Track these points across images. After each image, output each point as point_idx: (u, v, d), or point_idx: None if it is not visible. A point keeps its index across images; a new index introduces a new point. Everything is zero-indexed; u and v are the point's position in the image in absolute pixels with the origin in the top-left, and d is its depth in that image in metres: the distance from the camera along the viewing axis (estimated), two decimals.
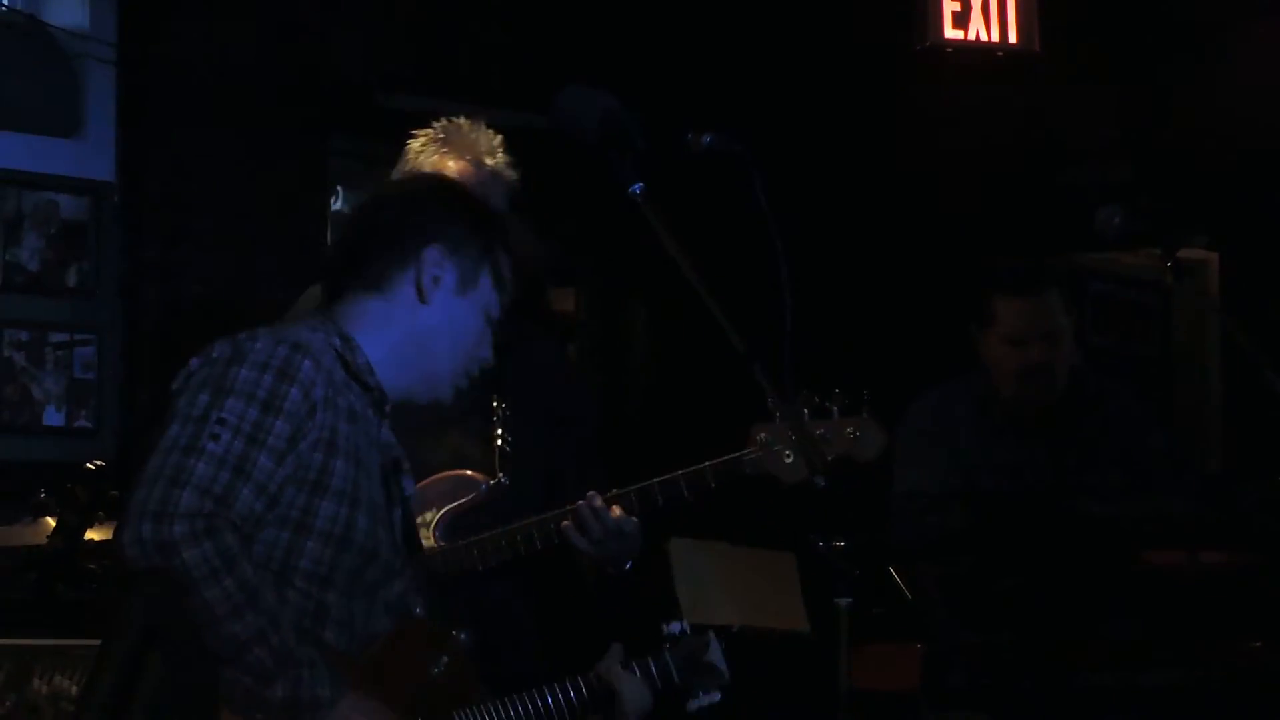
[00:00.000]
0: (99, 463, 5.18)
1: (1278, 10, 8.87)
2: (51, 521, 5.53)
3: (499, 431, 5.43)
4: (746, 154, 4.93)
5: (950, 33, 8.64)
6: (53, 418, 8.02)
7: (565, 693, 4.69)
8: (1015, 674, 6.62)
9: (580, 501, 5.34)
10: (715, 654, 5.00)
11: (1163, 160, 8.72)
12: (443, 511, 5.21)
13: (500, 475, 5.21)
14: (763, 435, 5.21)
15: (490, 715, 4.51)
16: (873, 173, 8.83)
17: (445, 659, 4.43)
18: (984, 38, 8.67)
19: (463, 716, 4.45)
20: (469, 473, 5.15)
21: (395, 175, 5.55)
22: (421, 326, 4.42)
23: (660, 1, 8.86)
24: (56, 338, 8.12)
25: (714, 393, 4.95)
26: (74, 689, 3.05)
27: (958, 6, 8.63)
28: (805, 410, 5.20)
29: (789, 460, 5.20)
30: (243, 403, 4.11)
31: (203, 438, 4.07)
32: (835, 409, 5.23)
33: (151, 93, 8.25)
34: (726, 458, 5.22)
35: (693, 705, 5.02)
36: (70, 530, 5.51)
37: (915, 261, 8.55)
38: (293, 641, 4.05)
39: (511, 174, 5.72)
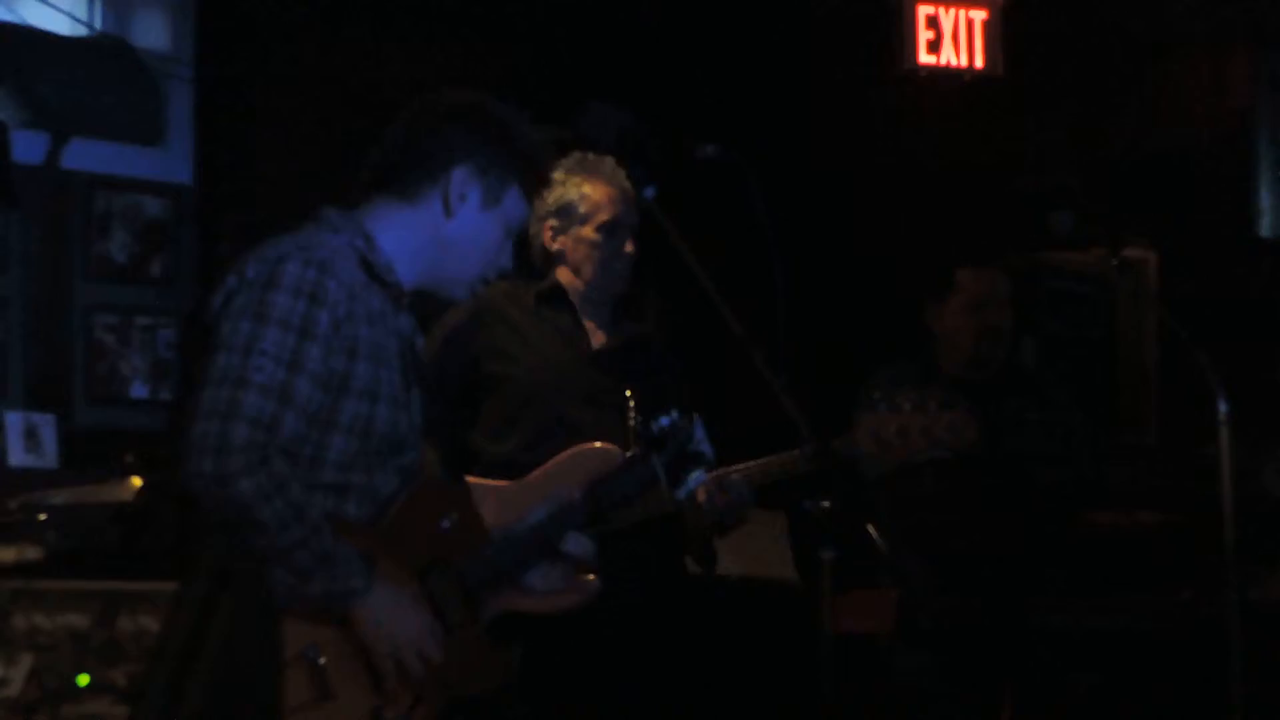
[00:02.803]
0: None
1: (1204, 42, 8.86)
2: (137, 481, 5.54)
3: (631, 413, 5.42)
4: (743, 163, 4.95)
5: (925, 59, 8.64)
6: (139, 391, 8.03)
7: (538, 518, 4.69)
8: (975, 618, 6.63)
9: (722, 471, 5.36)
10: (700, 440, 4.99)
11: (1108, 171, 8.71)
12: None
13: (635, 449, 5.20)
14: (869, 423, 5.20)
15: (488, 554, 4.51)
16: (855, 180, 8.83)
17: (455, 515, 4.46)
18: (954, 63, 8.67)
19: (469, 560, 4.45)
20: (607, 446, 5.13)
21: (542, 201, 5.56)
22: (446, 236, 4.41)
23: (671, 32, 8.86)
24: (142, 321, 8.12)
25: (718, 368, 4.95)
26: (155, 627, 3.07)
27: (931, 36, 8.64)
28: (907, 405, 5.20)
29: (894, 443, 5.20)
30: (280, 331, 4.11)
31: (249, 370, 4.07)
32: (933, 404, 5.23)
33: (224, 107, 8.25)
34: (802, 451, 5.18)
35: (682, 492, 5.00)
36: (153, 489, 5.52)
37: (892, 258, 8.54)
38: (330, 543, 4.09)
39: (641, 203, 5.74)
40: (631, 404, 5.41)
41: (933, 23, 8.66)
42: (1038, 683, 6.60)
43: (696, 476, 5.00)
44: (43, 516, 5.72)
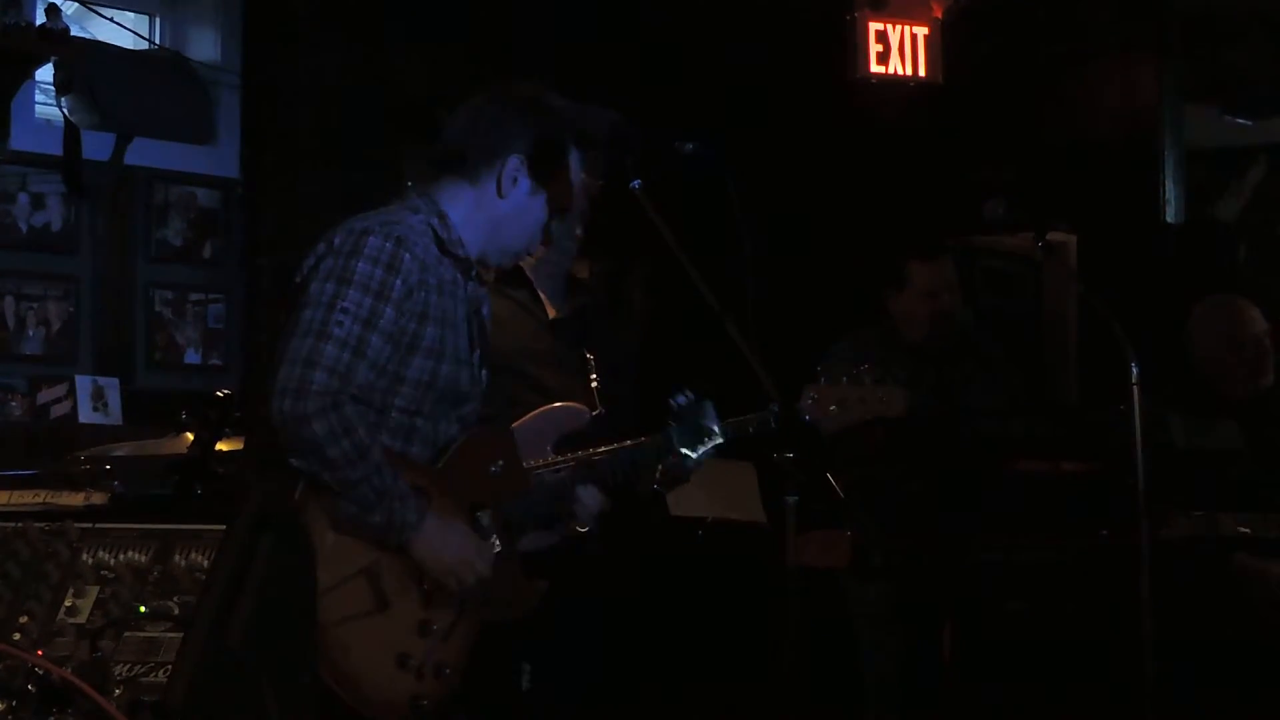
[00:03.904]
0: (226, 391, 5.14)
1: (1123, 50, 8.84)
2: (190, 436, 5.49)
3: (592, 376, 5.40)
4: (719, 158, 4.91)
5: (874, 68, 8.61)
6: (191, 357, 8.02)
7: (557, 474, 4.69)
8: (919, 554, 6.61)
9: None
10: (710, 418, 4.95)
11: (1035, 164, 8.69)
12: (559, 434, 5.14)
13: (600, 408, 5.18)
14: (813, 394, 5.16)
15: (527, 501, 4.54)
16: (816, 174, 8.80)
17: (502, 462, 4.49)
18: (900, 72, 8.64)
19: (512, 503, 4.49)
20: (578, 405, 5.11)
21: None
22: (499, 213, 4.44)
23: (656, 41, 8.84)
24: (195, 297, 8.12)
25: (697, 343, 4.93)
26: (205, 563, 3.04)
27: (880, 48, 8.61)
28: (845, 378, 5.18)
29: (833, 412, 5.15)
30: (360, 293, 4.16)
31: (330, 324, 4.12)
32: (868, 379, 5.20)
33: (268, 111, 8.23)
34: (769, 411, 5.14)
35: (690, 462, 4.99)
36: (204, 443, 5.48)
37: (846, 241, 8.52)
38: (390, 480, 4.12)
39: (597, 180, 5.69)
40: (591, 365, 5.39)
41: (881, 37, 8.63)
42: (975, 611, 6.59)
43: (707, 449, 4.97)
44: (108, 467, 5.70)
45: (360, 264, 4.18)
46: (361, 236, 4.23)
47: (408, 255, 4.22)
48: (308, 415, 4.03)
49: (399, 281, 4.20)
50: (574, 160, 4.54)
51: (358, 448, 4.07)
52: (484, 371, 4.52)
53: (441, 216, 4.38)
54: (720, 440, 5.02)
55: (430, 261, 4.29)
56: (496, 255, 4.51)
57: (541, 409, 5.02)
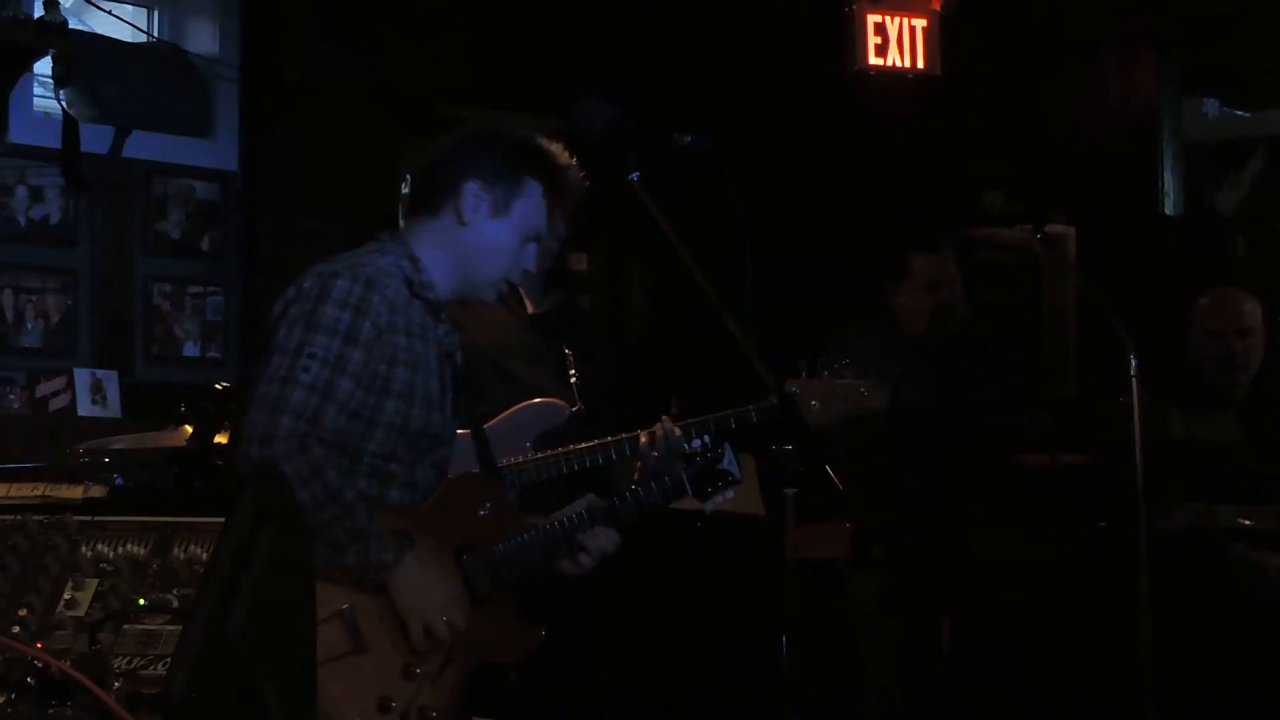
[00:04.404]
0: (224, 385, 5.16)
1: (1121, 42, 8.84)
2: (189, 429, 5.50)
3: (570, 370, 5.39)
4: (717, 150, 4.91)
5: (873, 60, 8.62)
6: (190, 350, 8.02)
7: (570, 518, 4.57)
8: (918, 546, 6.62)
9: (658, 425, 5.29)
10: (729, 461, 4.83)
11: (1034, 156, 8.69)
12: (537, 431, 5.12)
13: (579, 404, 5.17)
14: (795, 388, 5.14)
15: (520, 541, 4.43)
16: (815, 166, 8.81)
17: (489, 504, 4.41)
18: (899, 64, 8.65)
19: (504, 545, 4.40)
20: (556, 400, 5.10)
21: None
22: (464, 243, 4.35)
23: (654, 34, 8.83)
24: (193, 290, 8.12)
25: (695, 334, 4.93)
26: (204, 555, 3.04)
27: (879, 40, 8.62)
28: (827, 372, 5.17)
29: (815, 407, 5.14)
30: (327, 337, 4.11)
31: (297, 370, 4.08)
32: (849, 373, 5.19)
33: (265, 104, 8.23)
34: (767, 403, 5.14)
35: (709, 506, 4.88)
36: (202, 436, 5.50)
37: (845, 234, 8.52)
38: (364, 520, 4.07)
39: (582, 184, 5.68)
40: (570, 361, 5.39)
41: (880, 29, 8.64)
42: (974, 602, 6.60)
43: (724, 494, 4.88)
44: (107, 459, 5.70)
45: (328, 308, 4.14)
46: (330, 280, 4.19)
47: (377, 297, 4.17)
48: (274, 460, 3.99)
49: (368, 324, 4.15)
50: (533, 190, 4.42)
51: (328, 489, 4.03)
52: (455, 420, 4.45)
53: (413, 260, 4.32)
54: (738, 482, 4.92)
55: (400, 304, 4.24)
56: (471, 289, 4.42)
57: (520, 405, 5.01)
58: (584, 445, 5.04)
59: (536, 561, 4.49)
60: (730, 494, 4.89)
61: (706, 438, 4.93)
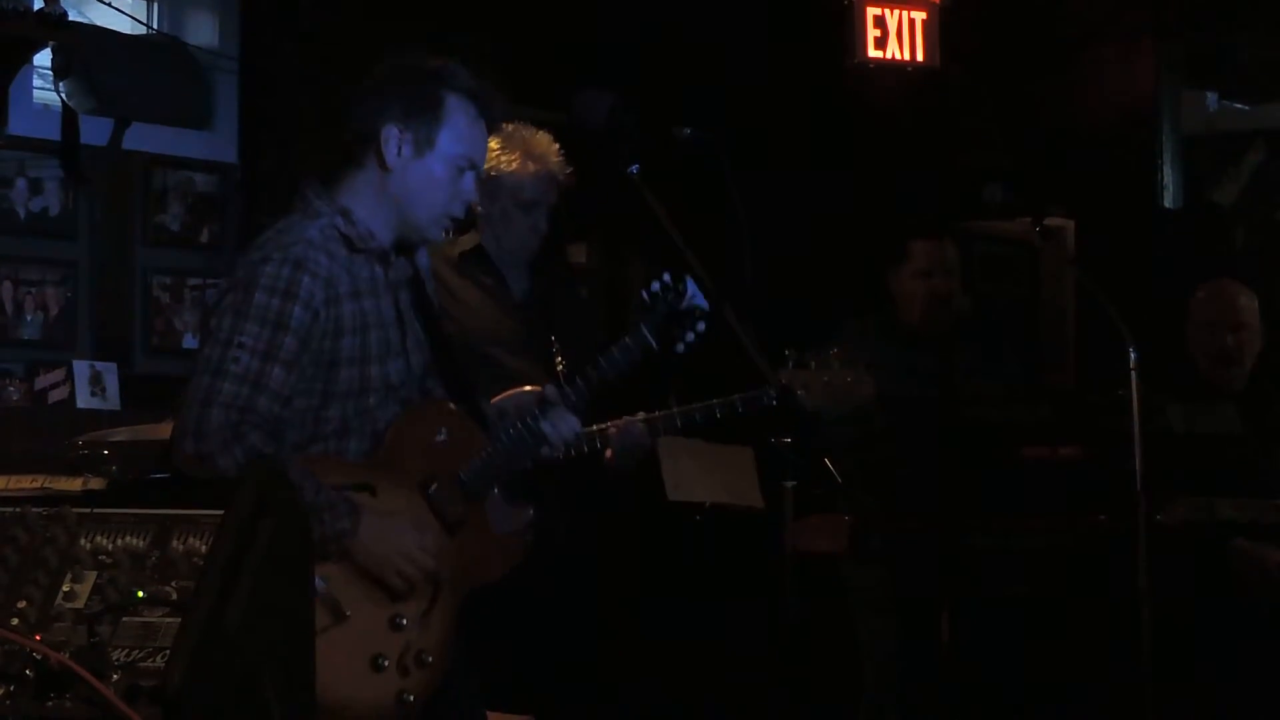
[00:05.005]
0: None
1: (1120, 35, 8.84)
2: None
3: (558, 359, 5.38)
4: (716, 143, 4.91)
5: (873, 53, 8.60)
6: (190, 342, 8.00)
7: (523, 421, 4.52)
8: (919, 539, 6.62)
9: (626, 418, 5.29)
10: (693, 296, 4.66)
11: (1033, 150, 8.69)
12: None
13: (568, 391, 5.15)
14: (784, 378, 5.12)
15: (483, 458, 4.39)
16: (815, 158, 8.80)
17: (444, 429, 4.37)
18: (898, 57, 8.63)
19: (468, 467, 4.37)
20: (543, 388, 5.09)
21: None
22: (395, 189, 4.29)
23: (654, 26, 8.83)
24: (193, 282, 8.11)
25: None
26: (203, 548, 3.04)
27: (879, 33, 8.60)
28: (814, 363, 5.14)
29: (801, 397, 5.12)
30: (257, 325, 4.09)
31: (227, 361, 4.07)
32: (836, 363, 5.17)
33: (264, 95, 8.23)
34: (753, 393, 5.12)
35: (680, 347, 4.70)
36: None
37: (844, 228, 8.51)
38: (313, 495, 4.02)
39: (567, 175, 5.68)
40: (557, 349, 5.38)
41: (879, 22, 8.63)
42: (973, 596, 6.59)
43: (698, 328, 4.68)
44: (106, 452, 5.70)
45: (258, 295, 4.11)
46: (259, 266, 4.15)
47: (307, 278, 4.13)
48: (211, 454, 3.99)
49: (297, 308, 4.11)
50: (456, 104, 4.31)
51: None
52: (419, 353, 4.39)
53: (345, 213, 4.26)
54: (709, 313, 4.71)
55: (338, 271, 4.19)
56: (413, 232, 4.35)
57: (506, 393, 5.02)
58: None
59: (503, 471, 4.45)
60: (702, 327, 4.70)
61: (667, 276, 4.69)
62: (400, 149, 4.29)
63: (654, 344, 4.64)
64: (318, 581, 4.04)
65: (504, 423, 4.51)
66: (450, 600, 4.29)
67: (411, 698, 4.18)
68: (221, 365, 4.07)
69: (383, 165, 4.29)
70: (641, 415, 5.34)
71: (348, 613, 4.11)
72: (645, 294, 4.69)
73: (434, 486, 4.31)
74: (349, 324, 4.19)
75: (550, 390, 4.56)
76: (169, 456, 4.19)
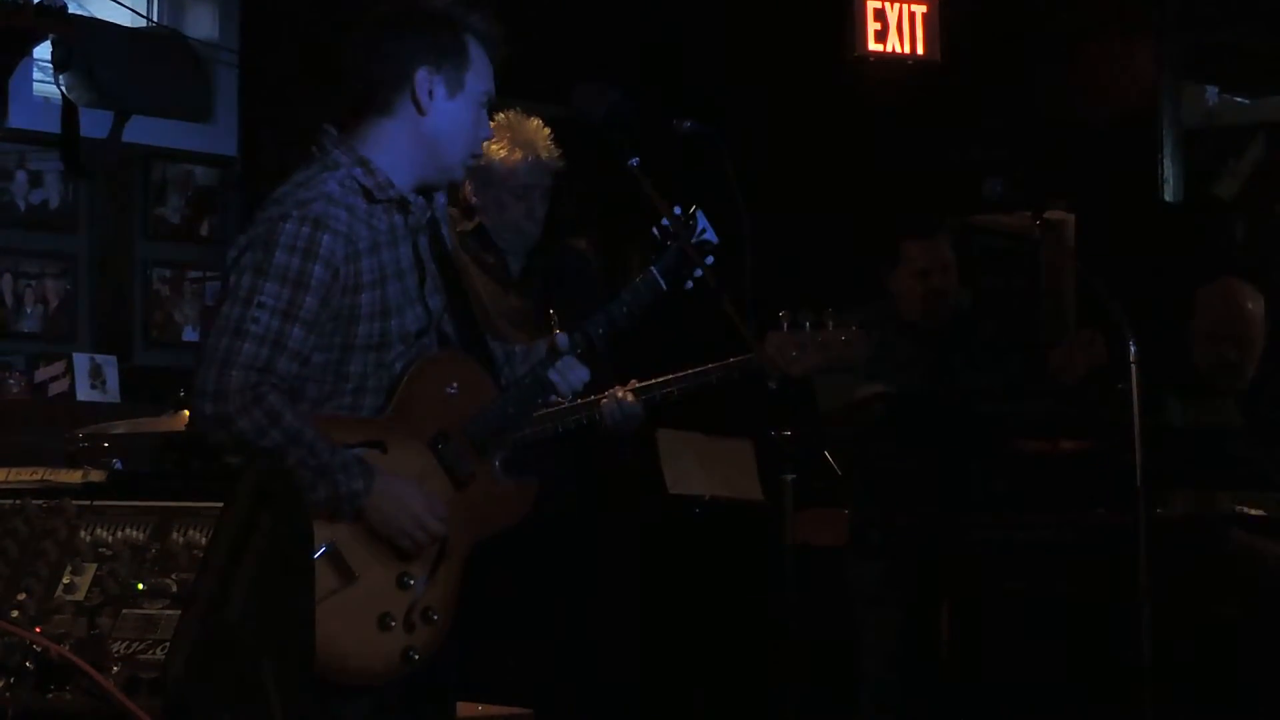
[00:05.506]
0: None
1: (1121, 28, 8.84)
2: (187, 414, 5.49)
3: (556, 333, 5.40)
4: (716, 135, 4.90)
5: (873, 46, 8.61)
6: (189, 335, 8.01)
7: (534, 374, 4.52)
8: (918, 532, 6.62)
9: (614, 389, 5.31)
10: (704, 229, 4.67)
11: (1033, 143, 8.69)
12: None
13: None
14: (774, 340, 5.09)
15: (492, 410, 4.39)
16: (815, 150, 8.80)
17: (455, 382, 4.35)
18: (899, 50, 8.64)
19: (476, 420, 4.35)
20: (554, 336, 5.07)
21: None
22: (428, 132, 4.28)
23: (655, 20, 8.83)
24: (192, 274, 8.12)
25: (692, 312, 4.88)
26: (203, 540, 3.03)
27: (879, 26, 8.61)
28: (807, 323, 5.10)
29: (794, 357, 5.06)
30: (277, 284, 4.07)
31: (246, 320, 4.05)
32: (830, 322, 5.13)
33: (264, 88, 8.22)
34: (743, 358, 5.10)
35: (689, 284, 4.70)
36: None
37: (844, 220, 8.51)
38: (327, 456, 4.04)
39: (558, 161, 5.70)
40: (556, 324, 5.38)
41: (880, 15, 8.63)
42: (973, 589, 6.59)
43: (707, 262, 4.66)
44: (106, 444, 5.70)
45: (278, 254, 4.09)
46: (278, 224, 4.12)
47: (327, 236, 4.11)
48: (230, 416, 3.98)
49: (318, 267, 4.09)
50: (474, 44, 4.33)
51: (287, 433, 4.00)
52: (437, 295, 4.37)
53: (364, 163, 4.24)
54: (719, 246, 4.69)
55: (357, 226, 4.17)
56: (441, 174, 4.36)
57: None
58: (556, 408, 5.00)
59: (514, 421, 4.45)
60: (711, 260, 4.68)
61: (678, 209, 4.68)
62: (433, 91, 4.28)
63: (663, 285, 4.65)
64: (329, 545, 4.07)
65: (513, 371, 4.50)
66: (458, 555, 4.29)
67: (417, 655, 4.18)
68: (241, 325, 4.05)
69: (419, 109, 4.28)
70: (633, 383, 5.35)
71: (357, 574, 4.11)
72: (655, 230, 4.70)
73: (443, 444, 4.30)
74: (368, 279, 4.17)
75: (561, 339, 4.55)
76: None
